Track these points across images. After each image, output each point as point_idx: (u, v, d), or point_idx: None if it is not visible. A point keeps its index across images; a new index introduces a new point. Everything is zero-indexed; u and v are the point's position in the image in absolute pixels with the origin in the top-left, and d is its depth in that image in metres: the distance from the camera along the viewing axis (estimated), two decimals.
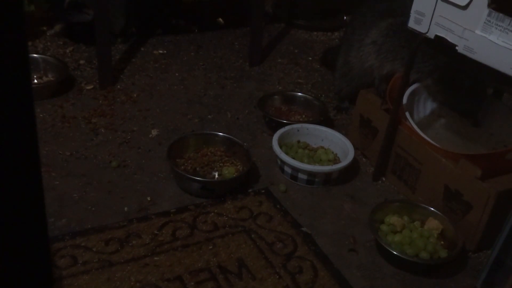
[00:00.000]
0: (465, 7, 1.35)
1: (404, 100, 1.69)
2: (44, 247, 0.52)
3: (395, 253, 1.42)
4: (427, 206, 1.56)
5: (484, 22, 1.31)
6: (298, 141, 1.83)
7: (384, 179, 1.78)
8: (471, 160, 1.49)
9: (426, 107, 1.85)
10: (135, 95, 2.07)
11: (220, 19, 2.71)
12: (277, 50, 2.53)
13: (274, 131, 1.81)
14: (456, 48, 1.38)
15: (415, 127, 1.63)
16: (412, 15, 1.47)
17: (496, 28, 1.29)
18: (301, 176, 1.69)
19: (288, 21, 2.79)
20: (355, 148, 1.79)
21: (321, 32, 2.74)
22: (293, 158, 1.71)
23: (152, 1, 2.56)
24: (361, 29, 1.94)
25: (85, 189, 1.59)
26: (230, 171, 1.67)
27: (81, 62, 2.24)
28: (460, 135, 1.81)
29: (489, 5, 1.30)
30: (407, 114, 1.67)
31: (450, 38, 1.39)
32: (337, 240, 1.52)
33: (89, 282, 1.30)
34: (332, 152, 1.80)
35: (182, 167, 1.67)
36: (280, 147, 1.73)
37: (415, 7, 1.47)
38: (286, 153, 1.72)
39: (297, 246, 1.47)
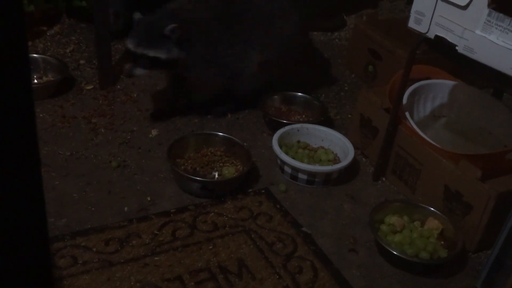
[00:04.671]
0: (465, 7, 1.35)
1: (404, 100, 1.69)
2: (44, 247, 0.52)
3: (395, 253, 1.42)
4: (427, 206, 1.56)
5: (484, 22, 1.31)
6: (298, 141, 1.83)
7: (384, 179, 1.78)
8: (471, 160, 1.49)
9: (426, 107, 1.85)
10: (135, 95, 2.07)
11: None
12: None
13: (274, 131, 1.81)
14: (456, 48, 1.38)
15: (415, 127, 1.63)
16: (412, 15, 1.47)
17: (496, 28, 1.29)
18: (301, 176, 1.69)
19: None
20: (355, 148, 1.79)
21: (321, 32, 2.74)
22: (293, 158, 1.71)
23: None
24: None
25: (85, 189, 1.59)
26: (230, 171, 1.67)
27: (81, 62, 2.24)
28: (460, 135, 1.81)
29: (489, 5, 1.30)
30: (407, 114, 1.67)
31: (450, 38, 1.39)
32: (337, 240, 1.52)
33: (89, 282, 1.30)
34: (332, 152, 1.80)
35: (182, 167, 1.67)
36: (280, 147, 1.73)
37: (415, 7, 1.47)
38: (286, 153, 1.72)
39: (297, 246, 1.47)
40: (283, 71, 2.10)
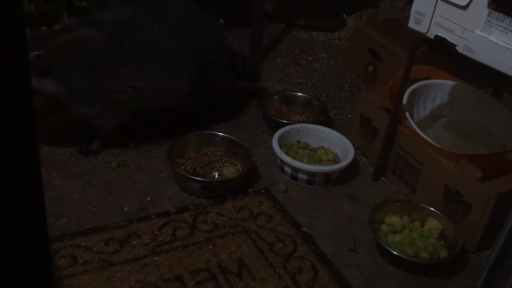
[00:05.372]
0: (465, 7, 1.35)
1: (404, 100, 1.69)
2: (44, 247, 0.52)
3: (395, 253, 1.42)
4: (427, 206, 1.56)
5: (484, 22, 1.31)
6: (298, 141, 1.83)
7: (384, 179, 1.78)
8: (471, 160, 1.49)
9: (426, 107, 1.85)
10: None
11: (220, 19, 2.71)
12: (277, 50, 2.53)
13: (274, 131, 1.81)
14: (456, 48, 1.38)
15: (415, 127, 1.63)
16: (412, 15, 1.47)
17: (496, 28, 1.29)
18: (301, 176, 1.69)
19: (288, 21, 2.78)
20: (355, 148, 1.79)
21: (321, 32, 2.74)
22: (293, 158, 1.71)
23: None
24: None
25: (85, 189, 1.59)
26: (230, 171, 1.67)
27: None
28: (460, 135, 1.81)
29: (489, 5, 1.30)
30: (407, 114, 1.67)
31: (450, 38, 1.39)
32: (337, 240, 1.52)
33: (89, 282, 1.30)
34: (332, 152, 1.80)
35: (182, 167, 1.67)
36: (280, 147, 1.73)
37: (415, 7, 1.47)
38: (286, 153, 1.72)
39: (297, 246, 1.47)
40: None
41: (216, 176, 1.68)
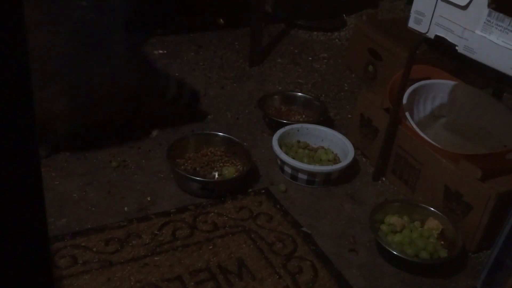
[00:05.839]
0: (465, 7, 1.35)
1: (404, 100, 1.69)
2: (44, 247, 0.52)
3: (395, 253, 1.42)
4: (427, 206, 1.56)
5: (484, 22, 1.31)
6: (298, 141, 1.83)
7: (384, 179, 1.78)
8: (471, 160, 1.49)
9: (426, 107, 1.85)
10: None
11: (220, 19, 2.71)
12: (277, 50, 2.53)
13: (274, 131, 1.81)
14: (456, 48, 1.38)
15: (415, 127, 1.63)
16: (412, 15, 1.47)
17: (496, 28, 1.29)
18: (301, 176, 1.69)
19: (288, 21, 2.78)
20: (355, 148, 1.79)
21: (321, 32, 2.74)
22: (293, 158, 1.71)
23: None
24: None
25: (85, 189, 1.59)
26: (230, 171, 1.67)
27: None
28: (460, 135, 1.81)
29: (489, 5, 1.30)
30: (407, 114, 1.67)
31: (450, 38, 1.39)
32: (337, 240, 1.52)
33: (89, 282, 1.30)
34: (332, 152, 1.80)
35: (182, 167, 1.67)
36: (280, 147, 1.73)
37: (415, 7, 1.47)
38: (286, 153, 1.72)
39: (297, 246, 1.47)
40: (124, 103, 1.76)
41: (216, 176, 1.68)
